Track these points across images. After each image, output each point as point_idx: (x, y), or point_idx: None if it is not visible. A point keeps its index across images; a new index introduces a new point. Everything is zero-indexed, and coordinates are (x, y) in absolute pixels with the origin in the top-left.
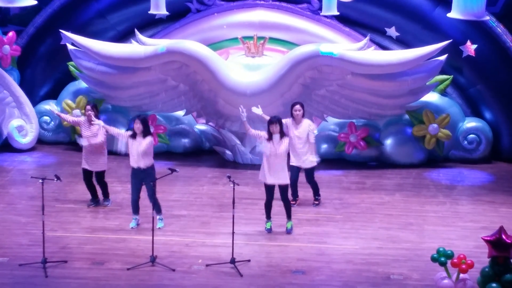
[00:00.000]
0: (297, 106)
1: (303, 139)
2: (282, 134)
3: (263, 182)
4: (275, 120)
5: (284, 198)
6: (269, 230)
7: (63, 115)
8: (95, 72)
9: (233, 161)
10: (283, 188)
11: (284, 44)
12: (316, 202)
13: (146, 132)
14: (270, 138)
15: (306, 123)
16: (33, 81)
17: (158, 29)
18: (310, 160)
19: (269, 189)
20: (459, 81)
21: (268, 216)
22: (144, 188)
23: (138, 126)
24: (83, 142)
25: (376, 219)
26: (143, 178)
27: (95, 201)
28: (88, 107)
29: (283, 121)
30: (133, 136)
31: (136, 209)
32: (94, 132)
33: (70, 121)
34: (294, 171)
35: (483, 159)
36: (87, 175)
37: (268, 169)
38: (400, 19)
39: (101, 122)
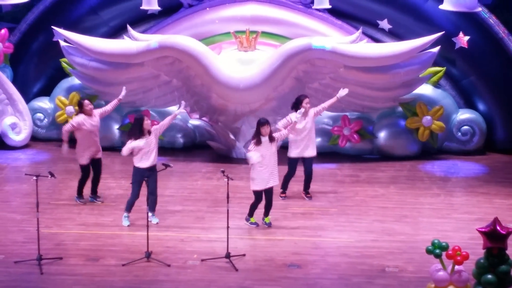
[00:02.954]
0: (307, 99)
1: (311, 128)
2: (272, 138)
3: (262, 189)
4: (266, 122)
5: (270, 199)
6: (256, 224)
7: (66, 138)
8: (88, 68)
9: (227, 156)
10: (271, 190)
11: (276, 38)
12: (309, 195)
13: (150, 131)
14: (259, 142)
15: (312, 111)
16: (26, 78)
17: (151, 24)
18: (313, 147)
19: (259, 193)
20: (452, 73)
21: (252, 214)
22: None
23: (149, 122)
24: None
25: (370, 212)
26: (148, 175)
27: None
28: (87, 101)
29: (287, 118)
30: (138, 137)
31: (130, 208)
32: (96, 123)
33: (73, 128)
34: (293, 164)
35: (477, 151)
36: (89, 169)
37: (263, 174)
38: (393, 11)
39: (100, 110)
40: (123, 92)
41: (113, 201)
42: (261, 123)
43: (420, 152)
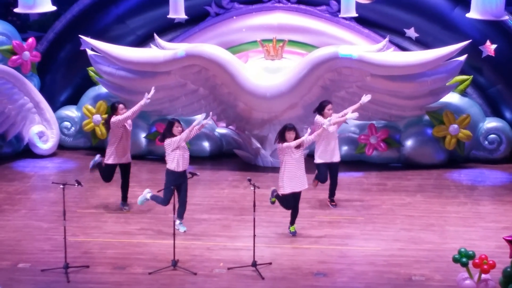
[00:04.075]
0: (330, 105)
1: (336, 133)
2: (297, 143)
3: (290, 192)
4: (292, 127)
5: (295, 205)
6: (294, 233)
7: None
8: (115, 77)
9: (254, 164)
10: (297, 195)
11: (303, 47)
12: (334, 204)
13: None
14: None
15: (334, 116)
16: (53, 87)
17: (177, 33)
18: (338, 153)
19: (290, 197)
20: (479, 81)
21: (293, 222)
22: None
23: (180, 129)
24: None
25: (397, 221)
26: (181, 182)
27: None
28: (122, 105)
29: (316, 119)
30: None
31: (178, 213)
32: (130, 127)
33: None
34: (323, 170)
35: (504, 159)
36: (114, 171)
37: (291, 179)
38: (419, 20)
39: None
40: (152, 91)
41: (140, 210)
42: (287, 128)
43: (447, 160)
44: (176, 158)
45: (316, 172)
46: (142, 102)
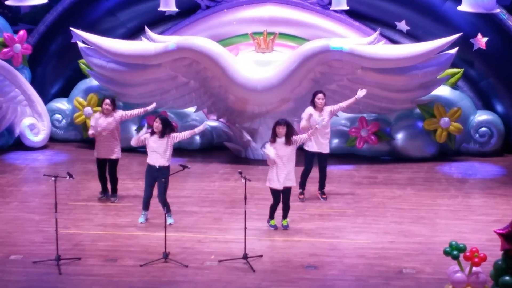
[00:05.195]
0: (320, 95)
1: (326, 125)
2: (289, 140)
3: (277, 188)
4: (283, 122)
5: (286, 201)
6: (275, 227)
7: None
8: (106, 70)
9: (245, 157)
10: (287, 191)
11: (294, 40)
12: (324, 196)
13: (163, 133)
14: (274, 141)
15: (328, 109)
16: (44, 79)
17: (168, 26)
18: (327, 144)
19: (276, 193)
20: (470, 74)
21: (272, 216)
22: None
23: (157, 125)
24: (92, 130)
25: (388, 213)
26: (156, 176)
27: (105, 193)
28: (107, 100)
29: (306, 111)
30: (152, 133)
31: (146, 206)
32: (108, 123)
33: (93, 129)
34: (310, 158)
35: (494, 152)
36: (102, 165)
37: (275, 173)
38: (410, 12)
39: (121, 112)
40: (153, 105)
41: (130, 202)
42: (278, 123)
43: (437, 153)
44: (149, 152)
45: (300, 182)
46: (141, 110)
